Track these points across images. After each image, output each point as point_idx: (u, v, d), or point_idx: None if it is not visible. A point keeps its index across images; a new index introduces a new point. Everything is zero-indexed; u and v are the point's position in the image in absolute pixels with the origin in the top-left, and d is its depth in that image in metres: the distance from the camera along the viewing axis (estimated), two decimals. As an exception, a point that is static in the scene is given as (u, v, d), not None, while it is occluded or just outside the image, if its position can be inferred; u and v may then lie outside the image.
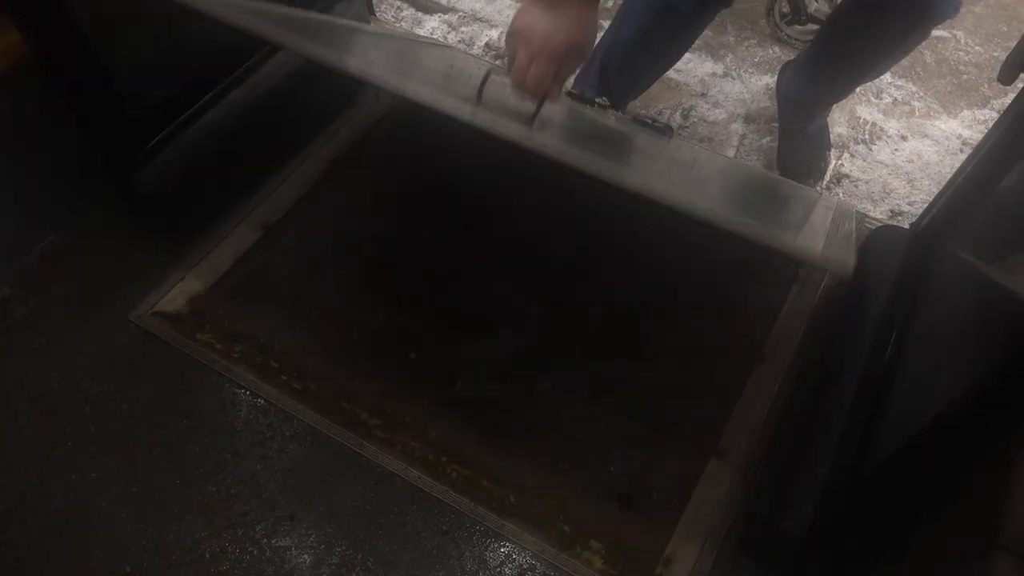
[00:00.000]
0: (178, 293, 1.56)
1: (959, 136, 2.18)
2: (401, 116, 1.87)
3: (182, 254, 1.61)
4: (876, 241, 1.57)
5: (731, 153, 2.05)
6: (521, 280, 1.59)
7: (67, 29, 1.26)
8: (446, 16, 2.45)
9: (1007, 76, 1.19)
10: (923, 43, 1.68)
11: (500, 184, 1.75)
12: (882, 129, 2.17)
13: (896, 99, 2.25)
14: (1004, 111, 1.28)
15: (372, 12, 2.11)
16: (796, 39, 2.30)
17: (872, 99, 2.24)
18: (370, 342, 1.50)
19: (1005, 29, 2.38)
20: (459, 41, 2.35)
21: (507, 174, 1.76)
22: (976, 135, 2.18)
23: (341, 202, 1.71)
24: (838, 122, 2.15)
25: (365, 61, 1.27)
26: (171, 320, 1.52)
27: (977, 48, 2.40)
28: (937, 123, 2.22)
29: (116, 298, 1.54)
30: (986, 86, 2.31)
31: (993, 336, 1.12)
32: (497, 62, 2.14)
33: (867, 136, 2.16)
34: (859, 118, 2.19)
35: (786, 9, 2.26)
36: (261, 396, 1.41)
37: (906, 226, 1.72)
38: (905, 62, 2.00)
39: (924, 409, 1.17)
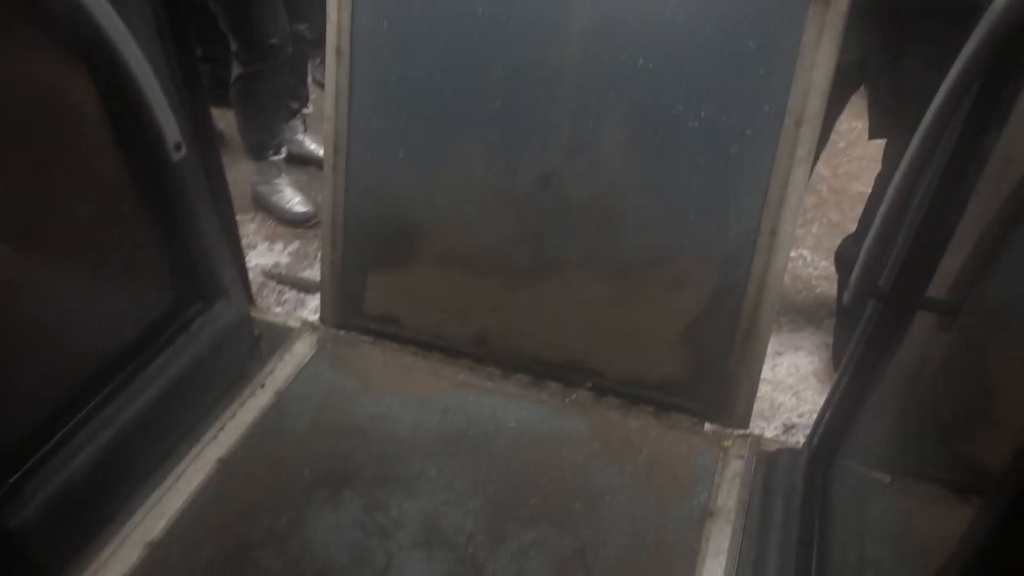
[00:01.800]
0: (49, 639, 1.39)
1: (828, 344, 2.32)
2: (289, 404, 1.84)
3: (54, 591, 1.46)
4: (774, 466, 1.59)
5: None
6: (429, 561, 1.51)
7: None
8: (328, 294, 2.50)
9: (856, 303, 1.27)
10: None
11: (398, 464, 1.71)
12: (757, 348, 2.29)
13: (763, 318, 2.39)
14: (855, 339, 1.37)
15: (252, 302, 2.14)
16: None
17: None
18: (272, 661, 1.36)
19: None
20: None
21: (398, 445, 1.73)
22: (842, 342, 2.31)
23: (231, 504, 1.62)
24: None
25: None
26: (40, 674, 1.34)
27: (823, 263, 2.63)
28: (805, 335, 2.37)
29: (-25, 657, 1.36)
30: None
31: (903, 548, 1.11)
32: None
33: (745, 357, 2.26)
34: (734, 340, 2.30)
35: None
36: None
37: (801, 440, 1.77)
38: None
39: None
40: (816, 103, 1.42)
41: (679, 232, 1.62)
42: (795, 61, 1.42)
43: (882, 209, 1.18)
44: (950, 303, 1.17)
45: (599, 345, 1.81)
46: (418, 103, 1.72)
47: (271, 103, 2.74)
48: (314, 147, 3.12)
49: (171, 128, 1.46)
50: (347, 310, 1.98)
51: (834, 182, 3.00)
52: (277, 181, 2.88)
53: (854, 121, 3.03)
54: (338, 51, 1.72)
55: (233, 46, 2.55)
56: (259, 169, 2.87)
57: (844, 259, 2.20)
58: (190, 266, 1.71)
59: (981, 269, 1.09)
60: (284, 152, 2.90)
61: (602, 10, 1.53)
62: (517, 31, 1.59)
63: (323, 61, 3.63)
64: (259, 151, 2.80)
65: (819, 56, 1.41)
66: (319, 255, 2.69)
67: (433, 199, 1.79)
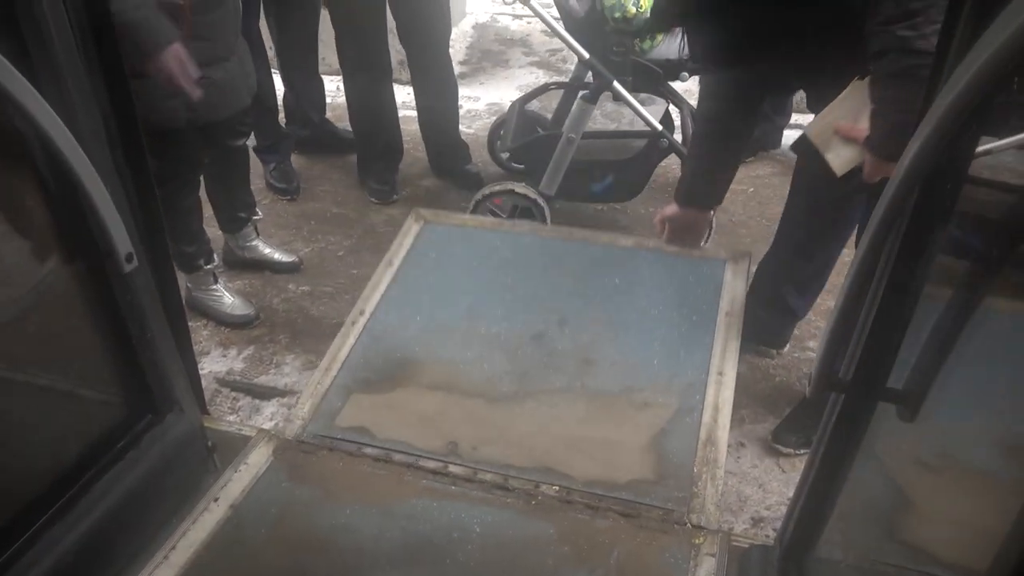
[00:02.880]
0: None
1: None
2: (245, 518, 1.76)
3: None
4: (747, 564, 1.56)
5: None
6: None
7: None
8: (284, 399, 2.46)
9: (817, 395, 1.28)
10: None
11: None
12: (720, 440, 2.28)
13: (725, 409, 2.39)
14: (820, 431, 1.37)
15: (206, 411, 2.08)
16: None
17: (704, 413, 2.37)
18: None
19: (797, 332, 2.65)
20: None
21: (361, 556, 1.67)
22: (804, 432, 2.32)
23: (182, 630, 1.53)
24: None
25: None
26: None
27: (779, 352, 2.65)
28: (766, 425, 2.37)
29: None
30: (797, 384, 2.51)
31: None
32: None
33: (709, 449, 2.24)
34: (697, 433, 2.29)
35: None
36: None
37: (771, 533, 1.74)
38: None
39: None
40: (738, 304, 2.12)
41: (645, 371, 2.02)
42: (721, 285, 2.19)
43: (838, 300, 1.20)
44: (909, 394, 1.18)
45: (569, 452, 1.84)
46: (443, 295, 2.25)
47: (191, 214, 2.69)
48: (268, 251, 3.10)
49: (122, 239, 1.44)
50: (316, 424, 1.95)
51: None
52: (213, 287, 2.85)
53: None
54: (390, 263, 2.34)
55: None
56: (192, 279, 2.82)
57: None
58: (140, 378, 1.66)
59: (938, 360, 1.10)
60: (217, 260, 2.87)
61: (596, 255, 2.37)
62: (535, 257, 2.39)
63: (276, 166, 3.68)
64: (189, 262, 2.74)
65: (735, 281, 2.20)
66: (275, 359, 2.65)
67: (437, 345, 2.13)
